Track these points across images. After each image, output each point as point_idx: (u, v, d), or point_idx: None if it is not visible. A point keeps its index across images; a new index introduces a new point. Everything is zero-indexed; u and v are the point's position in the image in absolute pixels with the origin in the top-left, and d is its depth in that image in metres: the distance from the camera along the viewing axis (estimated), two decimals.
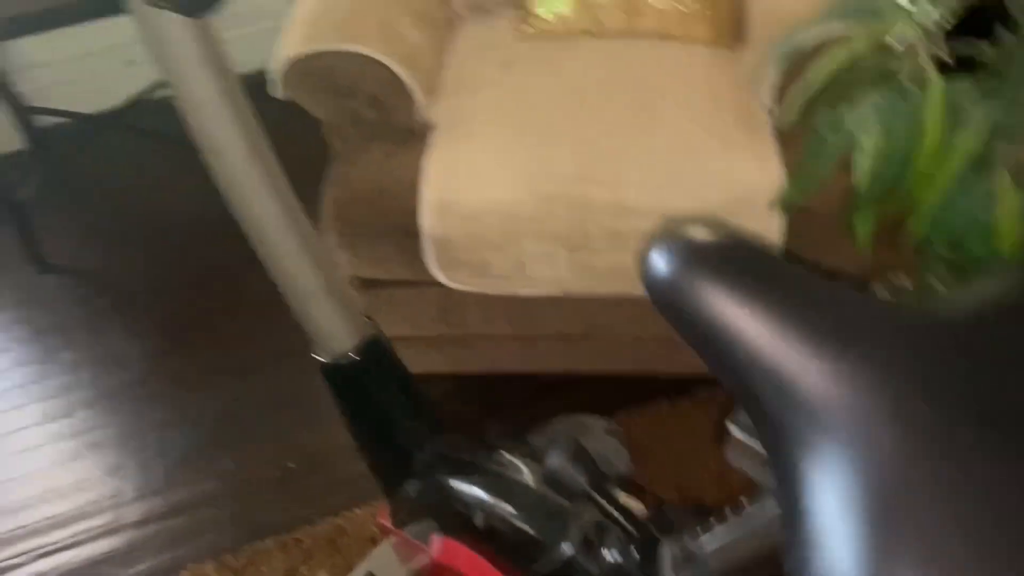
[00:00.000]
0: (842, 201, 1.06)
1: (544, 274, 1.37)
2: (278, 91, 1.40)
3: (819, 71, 1.00)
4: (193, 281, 1.90)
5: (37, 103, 2.19)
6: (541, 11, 1.54)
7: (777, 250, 0.50)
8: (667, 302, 0.40)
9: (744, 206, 1.27)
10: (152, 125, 2.16)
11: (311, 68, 1.37)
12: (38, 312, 1.87)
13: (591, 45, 1.53)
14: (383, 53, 1.37)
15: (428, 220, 1.34)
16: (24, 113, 2.16)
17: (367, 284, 1.47)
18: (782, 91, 1.31)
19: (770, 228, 1.27)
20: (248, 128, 0.88)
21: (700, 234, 0.41)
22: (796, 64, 1.14)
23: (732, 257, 0.40)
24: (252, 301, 1.81)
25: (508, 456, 0.63)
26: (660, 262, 0.41)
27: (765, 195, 1.23)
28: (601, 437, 0.63)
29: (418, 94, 1.43)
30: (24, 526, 1.51)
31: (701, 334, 0.39)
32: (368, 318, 1.03)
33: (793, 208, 1.22)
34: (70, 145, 2.20)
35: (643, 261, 0.41)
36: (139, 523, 1.49)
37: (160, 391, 1.70)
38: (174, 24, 0.74)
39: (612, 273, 1.35)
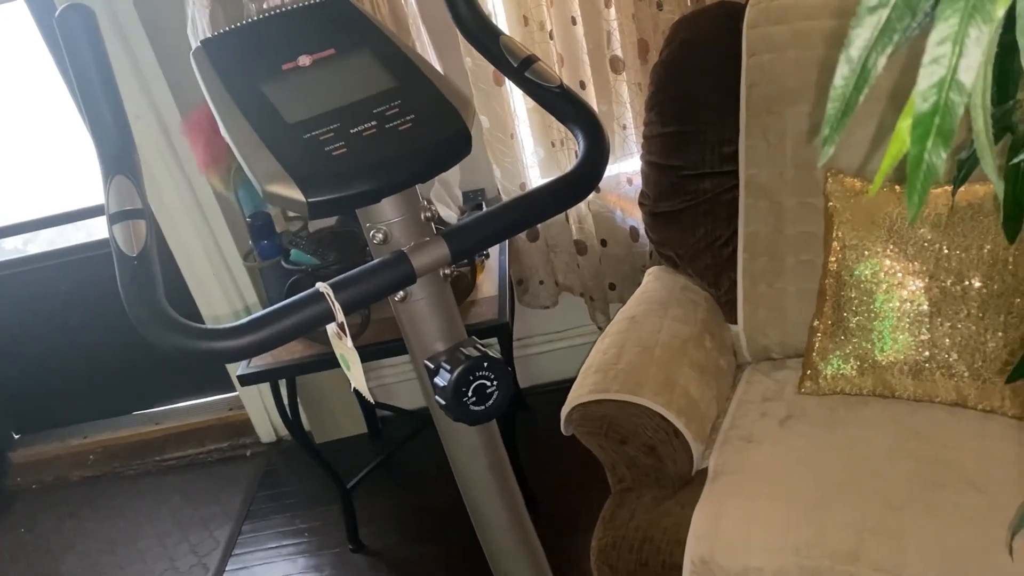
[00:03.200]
0: None
1: None
2: (564, 428, 1.54)
3: None
4: None
5: (382, 397, 2.58)
6: (825, 369, 1.56)
7: None
8: None
9: None
10: None
11: (592, 413, 1.49)
12: None
13: (878, 408, 1.50)
14: (663, 405, 1.46)
15: None
16: (368, 405, 2.55)
17: None
18: None
19: None
20: (511, 501, 1.00)
21: None
22: None
23: None
24: None
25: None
26: None
27: None
28: None
29: (695, 445, 1.49)
30: None
31: None
32: None
33: None
34: (398, 435, 2.52)
35: None
36: None
37: None
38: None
39: None
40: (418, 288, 0.86)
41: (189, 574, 2.27)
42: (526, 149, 2.20)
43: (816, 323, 1.58)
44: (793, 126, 1.62)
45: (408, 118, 0.81)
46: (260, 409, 2.66)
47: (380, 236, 0.84)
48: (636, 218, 2.16)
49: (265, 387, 2.60)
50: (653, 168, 1.79)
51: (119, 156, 0.80)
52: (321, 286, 0.79)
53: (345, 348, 0.84)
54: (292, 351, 1.92)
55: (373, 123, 0.80)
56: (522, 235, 2.24)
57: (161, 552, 2.38)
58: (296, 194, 0.76)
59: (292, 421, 2.02)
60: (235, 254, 2.37)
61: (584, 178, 0.91)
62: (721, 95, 1.69)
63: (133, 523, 2.52)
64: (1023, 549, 1.18)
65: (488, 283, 2.00)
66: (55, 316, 2.78)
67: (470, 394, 0.85)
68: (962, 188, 1.47)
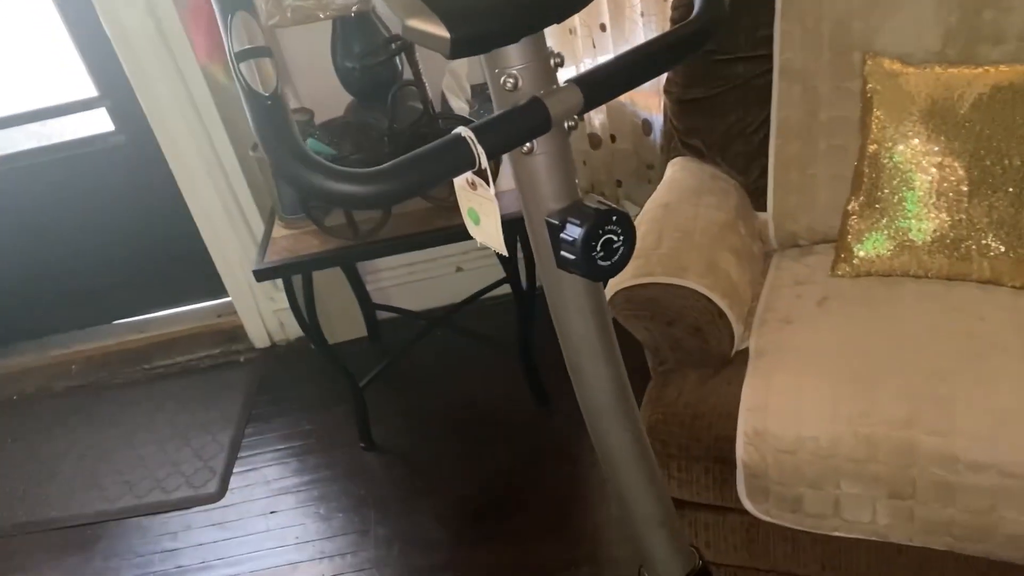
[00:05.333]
0: None
1: (862, 518, 1.33)
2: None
3: None
4: (496, 473, 2.04)
5: (379, 300, 2.55)
6: (859, 251, 1.59)
7: None
8: None
9: None
10: (472, 326, 2.42)
11: (638, 296, 1.49)
12: (362, 485, 2.10)
13: (913, 287, 1.53)
14: (707, 287, 1.47)
15: (743, 449, 1.37)
16: (369, 308, 2.51)
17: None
18: None
19: None
20: (616, 365, 1.00)
21: None
22: None
23: None
24: (545, 500, 1.92)
25: None
26: None
27: None
28: None
29: (737, 325, 1.51)
30: None
31: None
32: (695, 548, 1.08)
33: None
34: (403, 337, 2.50)
35: None
36: None
37: None
38: (576, 282, 0.89)
39: (937, 526, 1.29)
40: (545, 139, 0.84)
41: (195, 477, 2.25)
42: None
43: (851, 205, 1.60)
44: (830, 9, 1.61)
45: None
46: (254, 314, 2.61)
47: (511, 82, 0.81)
48: (649, 111, 2.14)
49: (259, 291, 2.55)
50: None
51: None
52: (463, 131, 0.75)
53: (480, 198, 0.81)
54: (310, 245, 1.87)
55: None
56: None
57: (163, 457, 2.34)
58: (440, 30, 0.72)
59: (309, 319, 1.98)
60: (229, 151, 2.27)
61: (706, 25, 0.88)
62: None
63: (128, 430, 2.47)
64: None
65: (504, 177, 1.96)
66: (26, 222, 2.65)
67: (599, 248, 0.84)
68: (1004, 67, 1.49)
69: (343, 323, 2.54)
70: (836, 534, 1.37)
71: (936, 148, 1.50)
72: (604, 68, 0.84)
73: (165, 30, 2.09)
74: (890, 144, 1.54)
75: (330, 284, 2.42)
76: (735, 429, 1.39)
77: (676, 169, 1.83)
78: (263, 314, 2.61)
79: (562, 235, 0.85)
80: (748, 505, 1.41)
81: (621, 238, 0.85)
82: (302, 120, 2.00)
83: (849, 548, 1.40)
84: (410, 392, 2.38)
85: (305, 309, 1.98)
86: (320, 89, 2.09)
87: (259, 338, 2.66)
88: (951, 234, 1.51)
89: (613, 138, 2.20)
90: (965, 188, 1.48)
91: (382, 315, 2.58)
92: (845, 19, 1.60)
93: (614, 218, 0.84)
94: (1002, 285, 1.50)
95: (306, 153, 0.72)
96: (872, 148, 1.56)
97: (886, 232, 1.56)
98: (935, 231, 1.52)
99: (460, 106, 2.05)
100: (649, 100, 2.11)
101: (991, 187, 1.47)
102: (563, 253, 0.85)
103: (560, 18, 0.79)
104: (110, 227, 2.63)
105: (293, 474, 2.19)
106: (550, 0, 0.77)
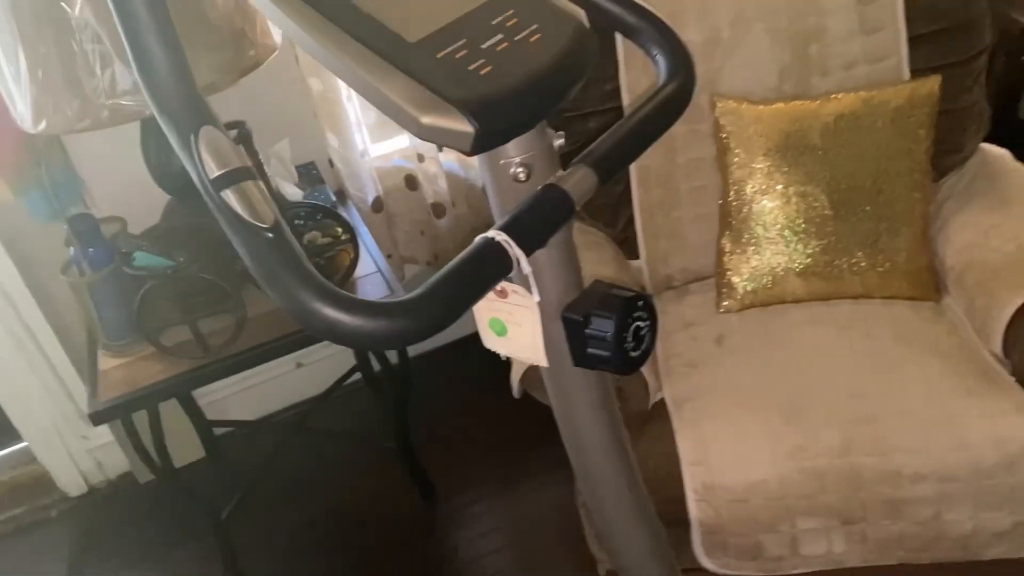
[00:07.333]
0: None
1: (819, 551, 1.34)
2: (516, 391, 1.45)
3: None
4: None
5: (214, 415, 2.27)
6: (739, 285, 1.62)
7: None
8: None
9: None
10: (328, 423, 2.23)
11: None
12: None
13: (798, 313, 1.58)
14: None
15: (695, 507, 1.33)
16: (204, 425, 2.23)
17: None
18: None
19: None
20: (628, 458, 0.92)
21: None
22: None
23: None
24: None
25: None
26: None
27: None
28: None
29: (649, 378, 1.48)
30: None
31: None
32: None
33: None
34: (252, 450, 2.24)
35: None
36: None
37: None
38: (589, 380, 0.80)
39: (889, 543, 1.32)
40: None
41: None
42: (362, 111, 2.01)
43: (723, 243, 1.63)
44: None
45: (532, 28, 0.70)
46: (62, 457, 2.22)
47: (523, 172, 0.71)
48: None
49: (67, 429, 2.18)
50: None
51: (194, 103, 0.60)
52: (496, 234, 0.65)
53: (514, 306, 0.70)
54: (151, 372, 1.61)
55: (500, 36, 0.67)
56: (367, 208, 2.07)
57: None
58: (461, 125, 0.61)
59: (160, 455, 1.70)
60: (9, 271, 1.93)
61: (683, 82, 0.84)
62: (598, 30, 1.67)
63: None
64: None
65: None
66: None
67: (630, 339, 0.76)
68: (842, 95, 1.58)
69: (177, 446, 2.22)
70: (796, 572, 1.37)
71: (796, 178, 1.57)
72: (608, 141, 0.77)
73: None
74: (750, 179, 1.59)
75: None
76: (682, 488, 1.34)
77: None
78: (74, 455, 2.23)
79: (588, 331, 0.76)
80: (707, 563, 1.37)
81: (647, 322, 0.78)
82: (116, 230, 1.74)
83: None
84: (275, 511, 2.12)
85: (155, 444, 1.70)
86: (123, 193, 1.83)
87: (72, 485, 2.26)
88: (823, 257, 1.58)
89: (454, 203, 2.13)
90: (829, 212, 1.56)
91: (221, 430, 2.30)
92: None
93: (640, 303, 0.77)
94: (873, 298, 1.59)
95: (332, 290, 0.58)
96: (734, 186, 1.61)
97: (762, 263, 1.61)
98: (808, 256, 1.58)
99: (292, 191, 1.89)
100: None
101: (851, 208, 1.56)
102: (591, 351, 0.76)
103: (569, 95, 0.71)
104: None
105: None
106: (559, 79, 0.69)
